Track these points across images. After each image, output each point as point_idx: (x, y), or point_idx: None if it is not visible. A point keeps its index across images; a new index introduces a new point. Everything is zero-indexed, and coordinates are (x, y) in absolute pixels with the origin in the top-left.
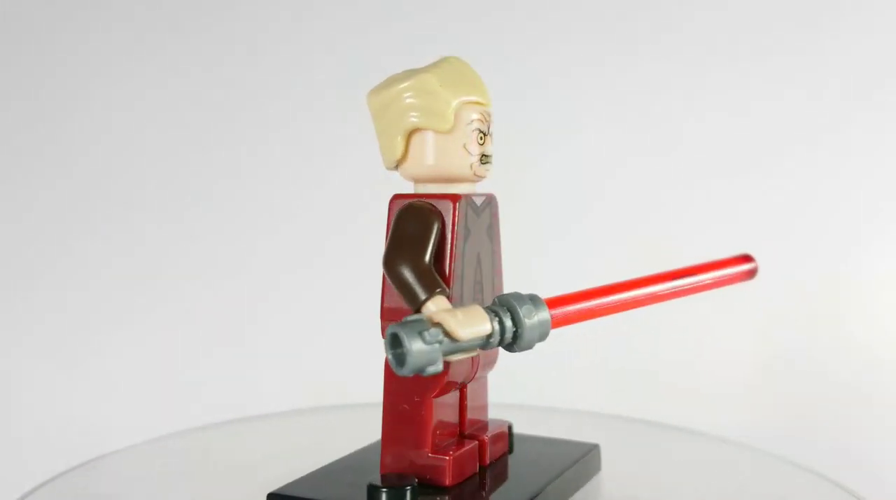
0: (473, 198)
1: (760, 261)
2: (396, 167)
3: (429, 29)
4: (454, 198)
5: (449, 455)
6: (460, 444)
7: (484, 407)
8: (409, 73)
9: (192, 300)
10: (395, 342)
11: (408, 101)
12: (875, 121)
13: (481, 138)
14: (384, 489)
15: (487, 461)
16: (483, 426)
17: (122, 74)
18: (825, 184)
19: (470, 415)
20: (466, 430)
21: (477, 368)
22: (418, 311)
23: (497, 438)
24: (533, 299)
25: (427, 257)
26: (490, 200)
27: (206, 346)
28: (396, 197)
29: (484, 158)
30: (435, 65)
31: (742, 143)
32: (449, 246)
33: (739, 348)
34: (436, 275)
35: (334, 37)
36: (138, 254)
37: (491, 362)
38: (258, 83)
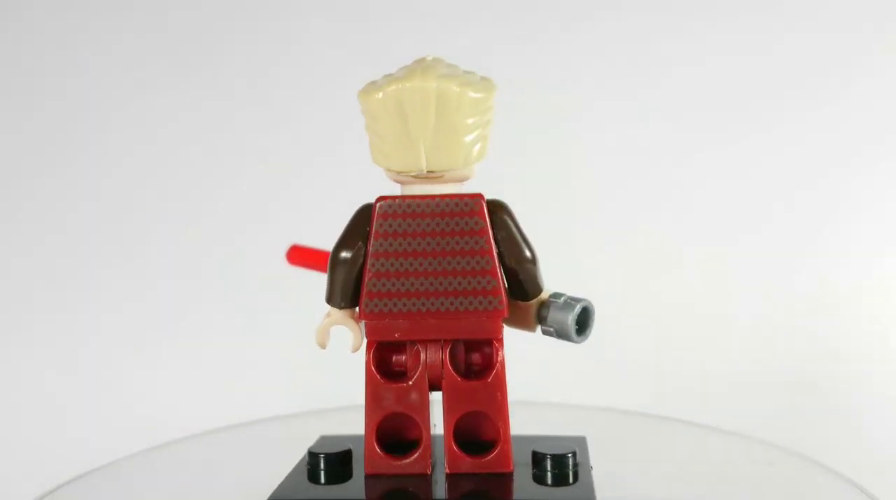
0: None
1: (766, 248)
2: None
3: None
4: None
5: None
6: None
7: None
8: None
9: (193, 307)
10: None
11: None
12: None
13: None
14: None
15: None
16: None
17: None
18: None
19: None
20: None
21: None
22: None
23: None
24: None
25: None
26: None
27: (201, 350)
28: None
29: None
30: None
31: (740, 140)
32: None
33: (739, 337)
34: None
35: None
36: (138, 262)
37: None
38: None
